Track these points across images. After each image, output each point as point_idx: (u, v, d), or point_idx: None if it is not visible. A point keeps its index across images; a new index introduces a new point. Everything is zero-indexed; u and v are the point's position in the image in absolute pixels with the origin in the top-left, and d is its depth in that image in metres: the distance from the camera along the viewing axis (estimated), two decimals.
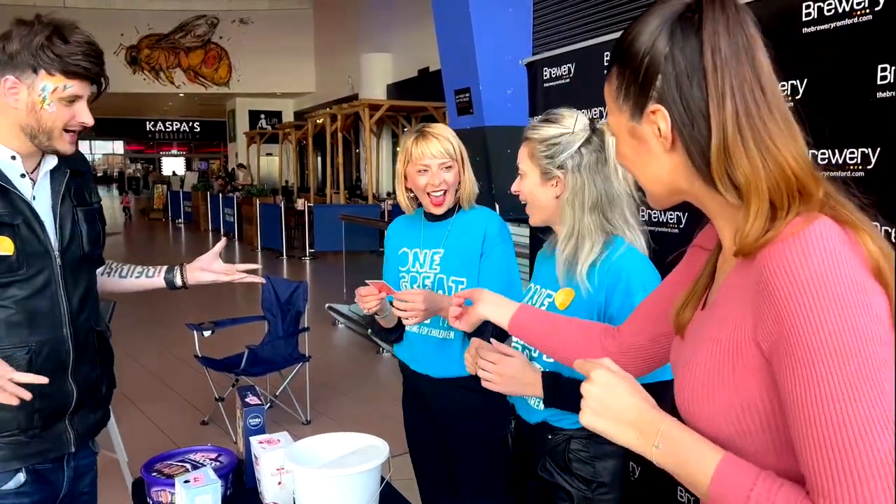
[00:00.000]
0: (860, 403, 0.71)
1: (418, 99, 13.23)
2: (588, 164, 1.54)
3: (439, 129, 2.05)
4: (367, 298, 1.91)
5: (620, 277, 1.50)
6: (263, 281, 1.95)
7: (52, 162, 1.64)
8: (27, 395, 1.42)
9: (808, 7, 1.94)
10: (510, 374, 1.48)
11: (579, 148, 1.54)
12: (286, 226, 12.40)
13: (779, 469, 0.80)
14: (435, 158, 2.00)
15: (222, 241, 2.01)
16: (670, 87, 0.85)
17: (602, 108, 2.72)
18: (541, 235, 1.79)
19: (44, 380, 1.46)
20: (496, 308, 1.43)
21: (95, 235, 1.72)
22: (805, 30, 1.95)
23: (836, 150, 1.90)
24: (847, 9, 1.84)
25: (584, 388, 0.91)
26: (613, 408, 0.88)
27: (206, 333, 4.23)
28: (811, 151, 2.02)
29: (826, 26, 1.90)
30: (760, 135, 0.82)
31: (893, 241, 1.76)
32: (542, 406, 1.57)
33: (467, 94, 6.65)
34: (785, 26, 2.00)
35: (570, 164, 1.54)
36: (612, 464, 1.56)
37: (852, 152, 1.86)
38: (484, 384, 1.49)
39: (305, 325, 4.43)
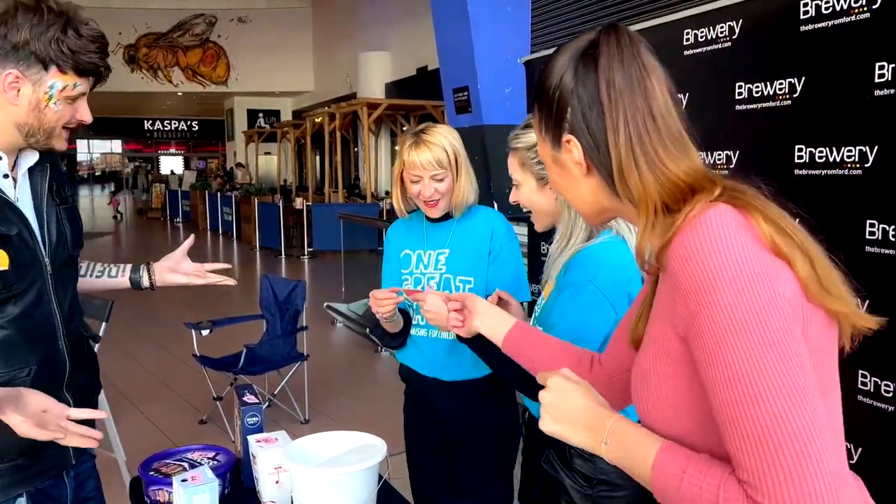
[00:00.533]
0: (763, 373, 0.76)
1: (417, 97, 13.22)
2: None
3: (436, 134, 1.96)
4: (385, 301, 1.82)
5: (569, 268, 1.53)
6: (234, 282, 1.86)
7: (32, 158, 1.49)
8: (99, 436, 1.34)
9: (805, 5, 1.94)
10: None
11: None
12: (285, 225, 12.39)
13: (722, 454, 0.82)
14: (426, 170, 1.94)
15: (191, 238, 1.87)
16: (578, 119, 0.94)
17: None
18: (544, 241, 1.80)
19: (103, 415, 1.42)
20: (491, 323, 1.43)
21: (79, 235, 1.61)
22: (803, 28, 1.95)
23: (834, 148, 1.90)
24: (845, 7, 1.84)
25: (541, 396, 0.98)
26: (567, 411, 0.95)
27: (205, 332, 4.22)
28: (809, 150, 2.02)
29: (824, 24, 1.90)
30: (651, 158, 0.91)
31: (892, 238, 1.76)
32: None
33: (466, 93, 6.64)
34: (783, 24, 2.00)
35: None
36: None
37: (850, 150, 1.86)
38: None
39: (304, 324, 4.42)
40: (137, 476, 1.75)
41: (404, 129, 14.80)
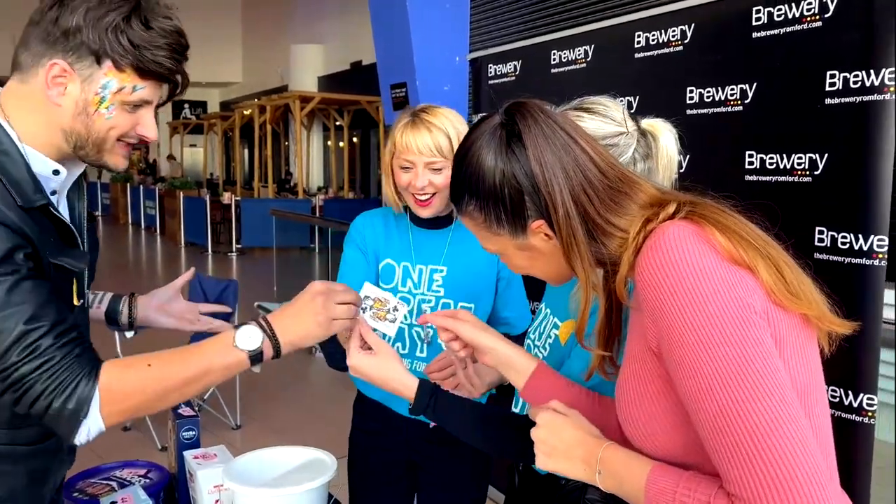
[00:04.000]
0: (733, 384, 0.75)
1: (351, 92, 13.05)
2: (640, 173, 1.18)
3: (438, 115, 1.63)
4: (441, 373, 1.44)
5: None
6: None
7: (78, 169, 1.21)
8: None
9: (758, 12, 1.95)
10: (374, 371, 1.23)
11: (633, 152, 1.22)
12: (212, 220, 12.01)
13: (713, 471, 0.81)
14: (421, 155, 1.60)
15: (189, 272, 1.61)
16: (536, 202, 0.93)
17: (552, 107, 2.69)
18: None
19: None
20: (511, 366, 1.17)
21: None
22: (755, 34, 1.96)
23: (785, 155, 1.91)
24: (797, 15, 1.86)
25: (533, 434, 0.95)
26: (560, 446, 0.93)
27: (129, 335, 3.97)
28: (760, 156, 2.03)
29: (776, 31, 1.91)
30: (597, 224, 0.91)
31: (841, 245, 1.78)
32: None
33: (403, 89, 6.53)
34: (735, 30, 2.01)
35: None
36: None
37: (800, 157, 1.88)
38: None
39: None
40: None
41: (337, 123, 14.59)
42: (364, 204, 13.36)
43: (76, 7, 1.06)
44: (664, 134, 1.25)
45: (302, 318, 1.17)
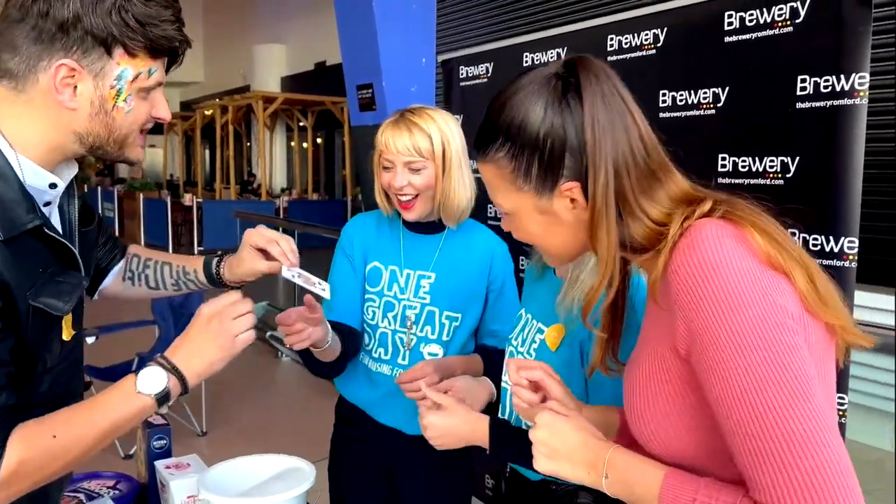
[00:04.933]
0: (768, 392, 0.73)
1: (314, 93, 12.94)
2: None
3: (423, 115, 1.60)
4: (294, 331, 1.44)
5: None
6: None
7: (71, 172, 1.13)
8: None
9: (730, 17, 1.97)
10: (447, 430, 1.32)
11: None
12: (173, 222, 11.80)
13: (724, 477, 0.81)
14: (399, 155, 1.58)
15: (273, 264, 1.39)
16: (576, 163, 0.87)
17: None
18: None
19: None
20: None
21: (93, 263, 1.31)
22: (727, 39, 1.98)
23: (757, 158, 1.94)
24: (769, 20, 1.88)
25: (532, 435, 0.92)
26: (562, 448, 0.89)
27: (90, 340, 3.90)
28: (732, 159, 2.05)
29: (748, 36, 1.93)
30: (629, 204, 0.87)
31: (811, 247, 1.81)
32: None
33: (370, 90, 6.48)
34: (708, 35, 2.03)
35: None
36: None
37: (772, 160, 1.90)
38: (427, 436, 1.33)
39: None
40: None
41: (301, 124, 14.45)
42: (329, 205, 13.26)
43: None
44: None
45: (202, 347, 1.11)
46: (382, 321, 1.70)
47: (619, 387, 1.22)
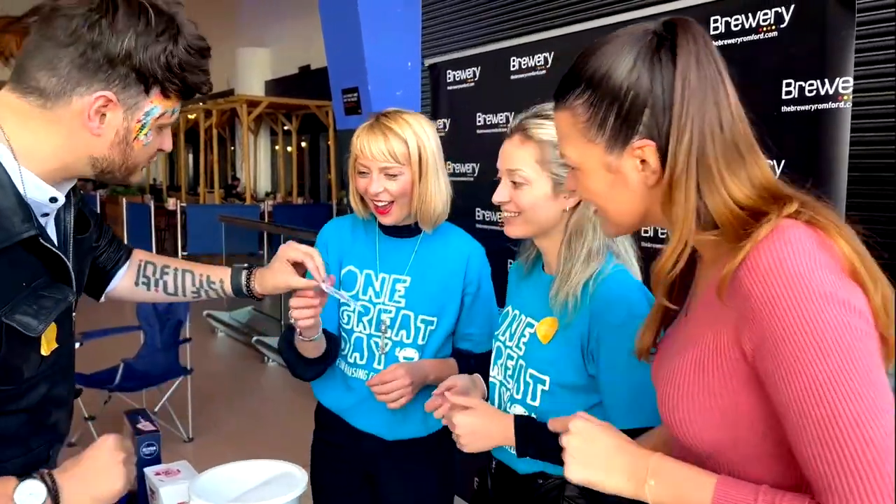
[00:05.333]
0: (848, 397, 0.71)
1: (299, 97, 12.91)
2: None
3: (399, 120, 1.58)
4: (302, 306, 1.46)
5: (603, 306, 1.30)
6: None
7: (70, 183, 1.13)
8: None
9: (716, 21, 1.99)
10: (478, 430, 1.33)
11: None
12: (156, 227, 11.71)
13: (763, 480, 0.80)
14: (375, 160, 1.57)
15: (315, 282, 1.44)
16: (657, 121, 0.84)
17: (511, 113, 2.70)
18: (513, 248, 1.58)
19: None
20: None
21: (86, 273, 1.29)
22: (714, 43, 2.00)
23: None
24: (754, 25, 1.90)
25: (565, 441, 0.90)
26: (599, 455, 0.87)
27: (75, 346, 3.86)
28: None
29: (734, 41, 1.96)
30: (710, 176, 0.83)
31: None
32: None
33: (356, 94, 6.47)
34: None
35: None
36: None
37: None
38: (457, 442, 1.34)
39: (187, 336, 4.14)
40: None
41: (286, 128, 14.41)
42: (314, 209, 13.22)
43: (122, 31, 0.97)
44: None
45: (96, 479, 1.09)
46: (358, 326, 1.69)
47: (626, 379, 1.25)
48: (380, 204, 1.62)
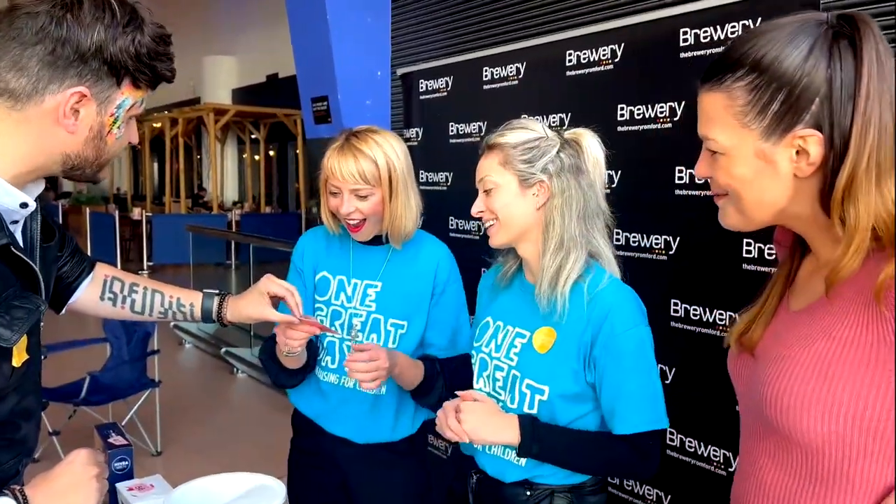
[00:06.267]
0: None
1: (266, 105, 12.82)
2: (571, 169, 1.38)
3: (369, 140, 1.62)
4: (296, 336, 1.49)
5: (607, 314, 1.34)
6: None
7: (38, 188, 1.11)
8: None
9: (685, 33, 2.03)
10: (486, 420, 1.35)
11: (558, 152, 1.38)
12: (121, 237, 11.51)
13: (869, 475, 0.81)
14: (346, 182, 1.60)
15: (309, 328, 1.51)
16: (825, 113, 0.81)
17: (484, 122, 2.72)
18: (488, 258, 1.61)
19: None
20: None
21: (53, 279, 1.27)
22: (683, 55, 2.04)
23: None
24: (722, 37, 1.94)
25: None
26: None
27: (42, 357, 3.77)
28: (689, 171, 2.10)
29: (703, 52, 1.99)
30: (881, 172, 0.80)
31: (766, 256, 1.87)
32: (523, 461, 1.40)
33: (325, 103, 6.44)
34: (664, 51, 2.08)
35: (553, 167, 1.37)
36: None
37: None
38: (451, 436, 1.35)
39: (155, 348, 4.07)
40: None
41: (253, 137, 14.29)
42: (283, 218, 13.12)
43: (90, 25, 0.96)
44: (586, 137, 1.44)
45: (68, 495, 1.07)
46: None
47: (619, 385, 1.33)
48: (352, 222, 1.65)
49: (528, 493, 1.40)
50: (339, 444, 1.73)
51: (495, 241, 1.43)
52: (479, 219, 1.44)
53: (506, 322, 1.48)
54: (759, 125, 0.85)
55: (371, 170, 1.60)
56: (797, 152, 0.84)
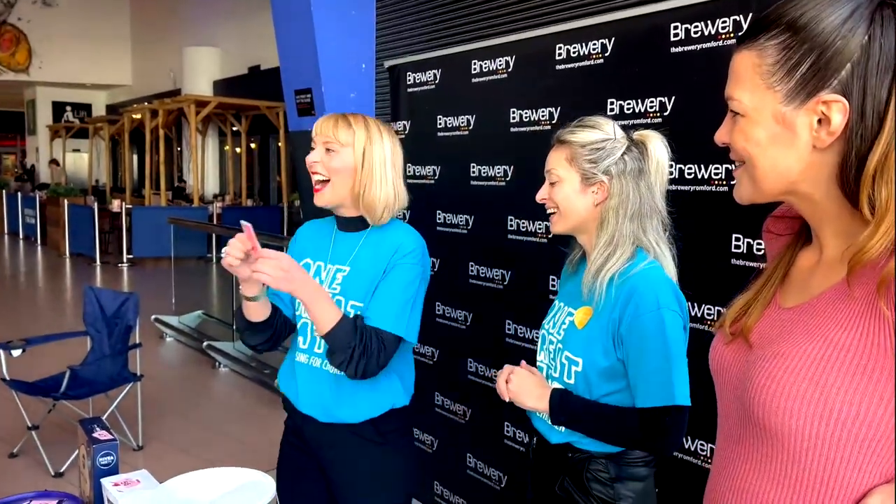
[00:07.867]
0: None
1: (249, 97, 12.69)
2: (632, 172, 1.50)
3: (359, 117, 1.72)
4: (231, 246, 1.54)
5: (633, 295, 1.44)
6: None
7: None
8: None
9: (675, 28, 2.03)
10: (527, 385, 1.54)
11: (622, 155, 1.50)
12: (100, 229, 11.36)
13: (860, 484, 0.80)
14: (319, 136, 1.70)
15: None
16: (856, 81, 0.78)
17: (472, 116, 2.70)
18: (562, 248, 1.73)
19: None
20: None
21: None
22: (673, 49, 2.04)
23: (702, 166, 2.00)
24: (713, 32, 1.94)
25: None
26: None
27: (16, 353, 3.72)
28: (679, 166, 2.11)
29: (693, 47, 1.99)
30: None
31: (755, 251, 1.87)
32: (562, 428, 1.54)
33: (309, 95, 6.38)
34: (654, 45, 2.08)
35: (615, 169, 1.49)
36: (635, 486, 1.51)
37: (717, 168, 1.96)
38: (501, 393, 1.57)
39: (137, 342, 4.02)
40: None
41: (234, 129, 14.15)
42: (264, 211, 13.00)
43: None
44: (653, 140, 1.54)
45: None
46: (305, 311, 1.76)
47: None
48: (315, 178, 1.71)
49: (570, 454, 1.54)
50: (307, 422, 1.78)
51: (555, 229, 1.59)
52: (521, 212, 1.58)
53: (565, 303, 1.63)
54: (784, 87, 0.82)
55: (345, 134, 1.68)
56: (819, 121, 0.81)
